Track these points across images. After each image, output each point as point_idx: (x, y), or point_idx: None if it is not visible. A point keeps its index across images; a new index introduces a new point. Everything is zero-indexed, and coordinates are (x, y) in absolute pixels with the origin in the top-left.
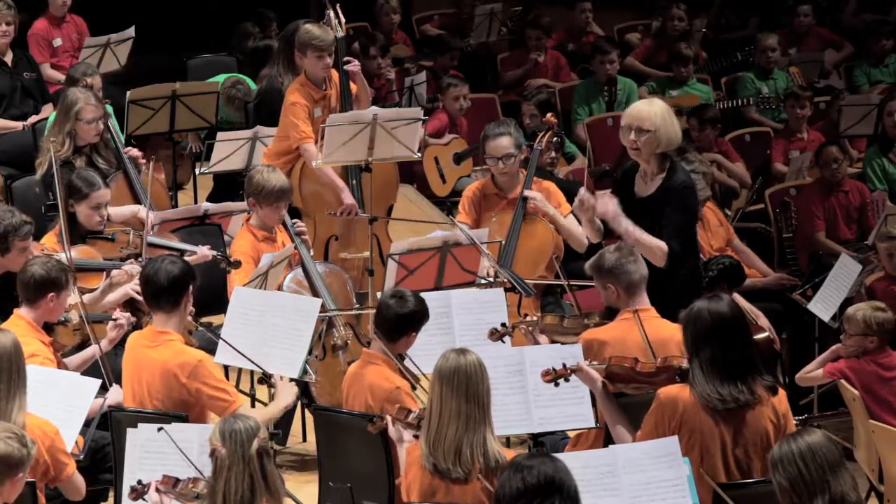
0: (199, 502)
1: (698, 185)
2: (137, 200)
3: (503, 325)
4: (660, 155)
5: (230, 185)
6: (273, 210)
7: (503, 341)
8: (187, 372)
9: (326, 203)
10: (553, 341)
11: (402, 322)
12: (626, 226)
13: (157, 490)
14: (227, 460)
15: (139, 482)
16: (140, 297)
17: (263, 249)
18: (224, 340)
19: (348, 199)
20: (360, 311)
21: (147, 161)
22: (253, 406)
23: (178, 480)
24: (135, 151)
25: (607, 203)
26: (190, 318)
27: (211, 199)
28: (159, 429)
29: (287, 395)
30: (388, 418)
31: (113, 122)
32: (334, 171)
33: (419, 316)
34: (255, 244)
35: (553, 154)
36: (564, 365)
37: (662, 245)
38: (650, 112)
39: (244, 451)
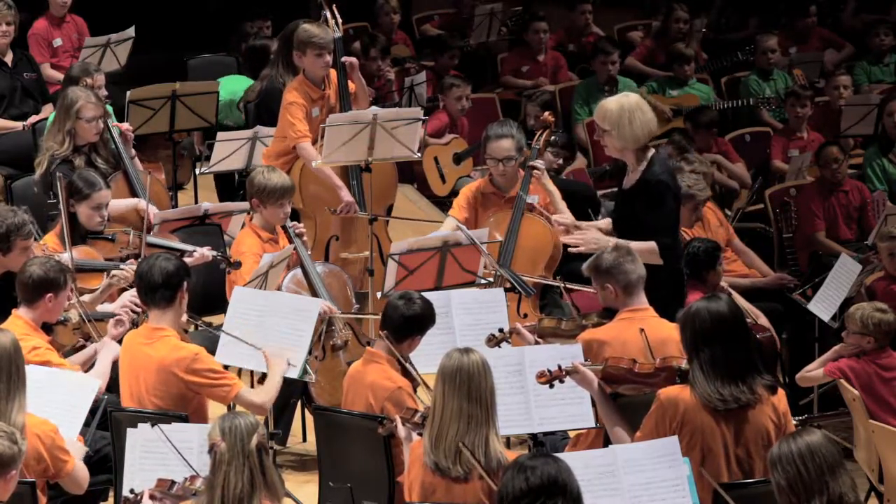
0: (197, 499)
1: (698, 185)
2: None
3: (500, 330)
4: (637, 149)
5: (233, 185)
6: (277, 209)
7: (500, 347)
8: (185, 366)
9: (327, 203)
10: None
11: (407, 324)
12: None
13: (152, 497)
14: (226, 454)
15: (132, 491)
16: (139, 310)
17: (268, 251)
18: (226, 333)
19: (346, 196)
20: (360, 317)
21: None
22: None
23: (173, 482)
24: (125, 126)
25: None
26: (190, 318)
27: (219, 199)
28: (153, 424)
29: (279, 366)
30: (398, 419)
31: (109, 123)
32: (334, 170)
33: (425, 319)
34: (261, 244)
35: (560, 161)
36: (560, 366)
37: (650, 244)
38: (607, 111)
39: (243, 446)
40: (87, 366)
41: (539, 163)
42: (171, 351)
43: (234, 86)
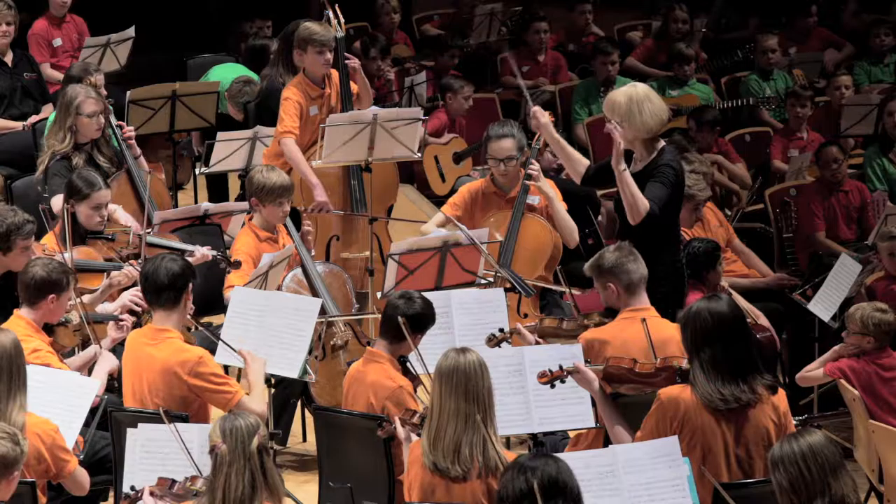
0: (197, 500)
1: (698, 185)
2: (139, 200)
3: (501, 330)
4: (646, 140)
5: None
6: (276, 207)
7: (500, 347)
8: (188, 369)
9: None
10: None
11: (407, 323)
12: (623, 166)
13: (152, 494)
14: (227, 456)
15: (132, 488)
16: (139, 310)
17: (265, 250)
18: (224, 342)
19: (320, 196)
20: (360, 317)
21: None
22: None
23: (174, 482)
24: (128, 131)
25: (616, 133)
26: (189, 317)
27: (211, 200)
28: (170, 420)
29: (258, 367)
30: (397, 420)
31: (111, 120)
32: (336, 169)
33: (425, 319)
34: (257, 244)
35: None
36: (561, 367)
37: (646, 202)
38: (615, 103)
39: (245, 448)
40: (87, 368)
41: (534, 168)
42: (175, 353)
43: (224, 75)
